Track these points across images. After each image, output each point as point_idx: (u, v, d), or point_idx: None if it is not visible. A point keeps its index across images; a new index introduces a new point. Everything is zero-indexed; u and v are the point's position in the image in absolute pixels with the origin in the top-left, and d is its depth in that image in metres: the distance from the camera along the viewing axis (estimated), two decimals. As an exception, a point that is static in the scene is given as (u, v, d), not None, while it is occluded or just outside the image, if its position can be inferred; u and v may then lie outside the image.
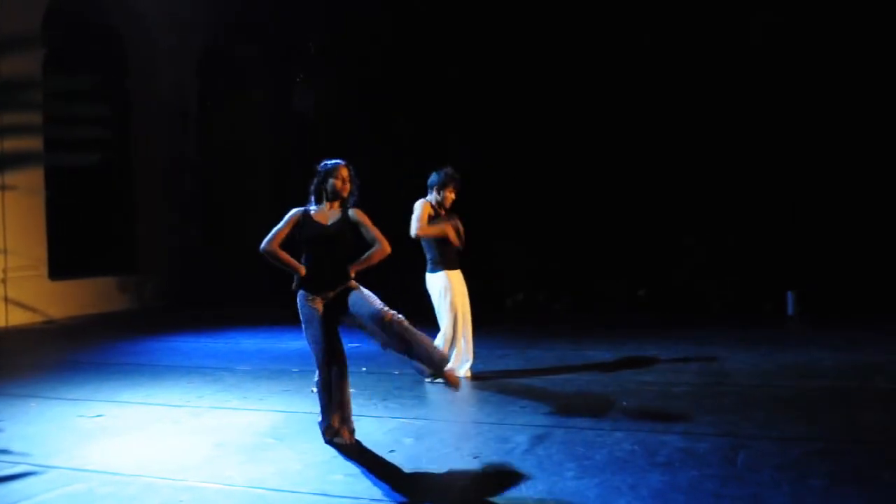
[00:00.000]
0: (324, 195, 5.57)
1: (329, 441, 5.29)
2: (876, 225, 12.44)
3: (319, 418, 5.39)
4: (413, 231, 7.16)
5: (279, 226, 5.48)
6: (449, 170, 7.36)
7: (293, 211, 5.55)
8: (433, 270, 7.28)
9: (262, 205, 16.29)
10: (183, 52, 14.89)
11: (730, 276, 12.89)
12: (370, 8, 14.40)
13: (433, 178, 7.36)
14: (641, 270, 13.37)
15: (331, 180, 5.53)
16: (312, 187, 5.61)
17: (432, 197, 7.35)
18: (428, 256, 7.31)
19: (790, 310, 11.72)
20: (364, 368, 6.26)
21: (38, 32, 12.18)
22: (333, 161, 5.63)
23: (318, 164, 5.64)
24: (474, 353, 7.44)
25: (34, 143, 11.94)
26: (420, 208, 7.20)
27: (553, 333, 10.31)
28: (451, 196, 7.35)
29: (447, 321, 7.21)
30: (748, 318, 11.31)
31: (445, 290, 7.20)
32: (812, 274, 12.23)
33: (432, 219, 7.22)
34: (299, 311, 5.47)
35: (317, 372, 5.42)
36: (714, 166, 13.12)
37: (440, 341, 7.12)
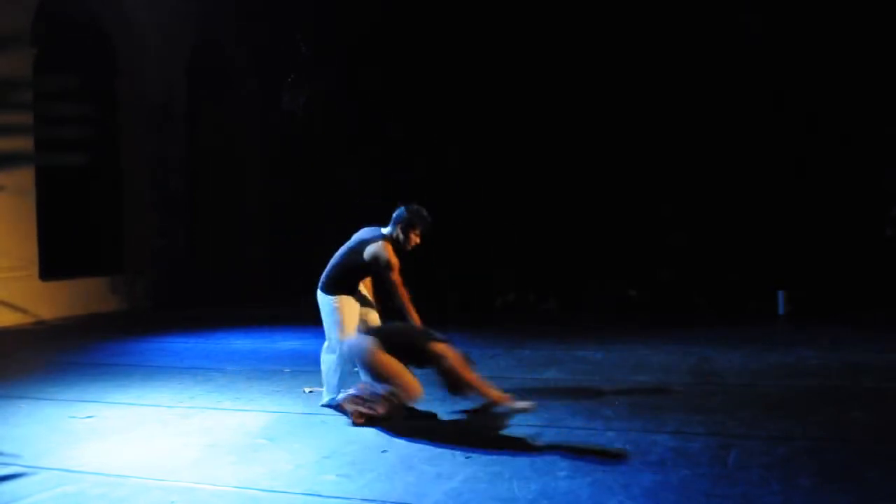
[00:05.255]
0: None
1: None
2: (865, 225, 12.53)
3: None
4: (391, 276, 5.89)
5: None
6: (418, 208, 6.07)
7: None
8: (329, 292, 6.17)
9: (249, 205, 16.29)
10: (172, 51, 14.85)
11: (719, 276, 12.95)
12: (361, 8, 14.40)
13: (400, 212, 6.07)
14: (632, 270, 13.42)
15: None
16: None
17: (393, 232, 6.05)
18: (336, 280, 6.17)
19: (781, 309, 11.78)
20: (356, 369, 6.26)
21: (28, 32, 12.12)
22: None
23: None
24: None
25: (24, 144, 11.87)
26: (385, 251, 5.92)
27: (543, 333, 10.32)
28: (416, 240, 6.06)
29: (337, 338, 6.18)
30: (737, 318, 11.36)
31: (335, 310, 6.14)
32: (802, 273, 12.31)
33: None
34: None
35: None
36: (703, 166, 13.20)
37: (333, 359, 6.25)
